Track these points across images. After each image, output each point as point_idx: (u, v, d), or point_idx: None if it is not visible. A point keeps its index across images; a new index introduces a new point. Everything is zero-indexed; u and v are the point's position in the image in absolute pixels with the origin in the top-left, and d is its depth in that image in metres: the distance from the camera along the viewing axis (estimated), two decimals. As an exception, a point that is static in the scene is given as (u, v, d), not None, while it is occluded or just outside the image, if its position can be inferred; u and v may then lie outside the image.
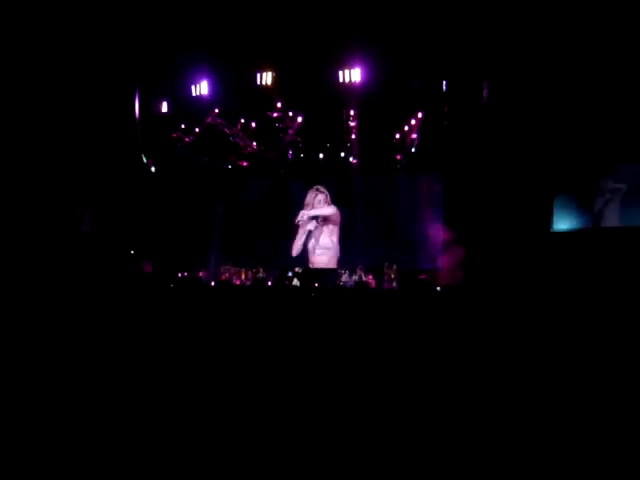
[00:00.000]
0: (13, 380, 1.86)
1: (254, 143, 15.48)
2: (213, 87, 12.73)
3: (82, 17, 11.27)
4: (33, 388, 1.82)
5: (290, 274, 12.85)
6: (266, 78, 11.93)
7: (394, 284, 13.92)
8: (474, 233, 12.49)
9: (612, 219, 12.02)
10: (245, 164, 16.49)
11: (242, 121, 14.61)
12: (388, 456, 2.18)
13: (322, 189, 15.81)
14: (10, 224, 12.15)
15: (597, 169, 12.08)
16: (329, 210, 15.37)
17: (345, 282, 14.08)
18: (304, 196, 15.87)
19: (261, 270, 15.30)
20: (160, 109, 13.70)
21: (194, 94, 12.82)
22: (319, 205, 15.52)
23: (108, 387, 1.62)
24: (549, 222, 12.41)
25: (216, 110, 13.99)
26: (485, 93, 11.48)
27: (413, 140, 14.29)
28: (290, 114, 14.07)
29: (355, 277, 14.05)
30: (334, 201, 15.89)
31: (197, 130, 14.58)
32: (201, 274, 14.48)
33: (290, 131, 14.74)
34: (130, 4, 10.77)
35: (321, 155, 15.73)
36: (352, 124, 13.99)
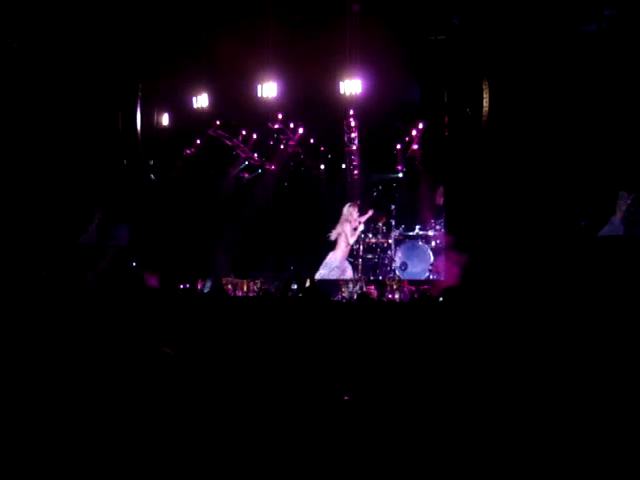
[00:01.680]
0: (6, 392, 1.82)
1: (255, 155, 15.51)
2: (214, 99, 12.75)
3: (84, 31, 11.33)
4: (27, 402, 1.78)
5: (294, 286, 12.81)
6: (267, 90, 11.94)
7: (397, 295, 13.85)
8: (478, 240, 12.42)
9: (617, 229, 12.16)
10: (246, 176, 16.50)
11: (243, 133, 14.64)
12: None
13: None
14: (12, 236, 12.13)
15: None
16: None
17: (350, 293, 14.02)
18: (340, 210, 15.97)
19: (259, 282, 15.23)
20: (161, 121, 13.73)
21: (195, 106, 12.84)
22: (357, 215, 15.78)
23: (104, 403, 1.59)
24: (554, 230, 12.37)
25: (217, 122, 14.03)
26: (486, 102, 11.47)
27: (414, 151, 14.31)
28: (291, 125, 14.09)
29: (357, 288, 13.99)
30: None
31: (198, 142, 14.61)
32: (199, 285, 14.42)
33: (291, 142, 14.76)
34: (130, 18, 10.81)
35: (322, 166, 15.75)
36: (353, 135, 14.00)
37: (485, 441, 2.24)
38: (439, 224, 15.06)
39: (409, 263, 15.32)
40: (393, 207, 15.38)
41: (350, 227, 15.68)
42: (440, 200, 15.10)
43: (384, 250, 15.69)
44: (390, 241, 15.56)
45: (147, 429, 1.49)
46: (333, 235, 15.83)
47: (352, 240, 15.67)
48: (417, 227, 15.44)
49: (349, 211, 15.75)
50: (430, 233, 15.27)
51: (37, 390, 1.77)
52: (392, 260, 15.51)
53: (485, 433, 2.27)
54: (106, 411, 1.54)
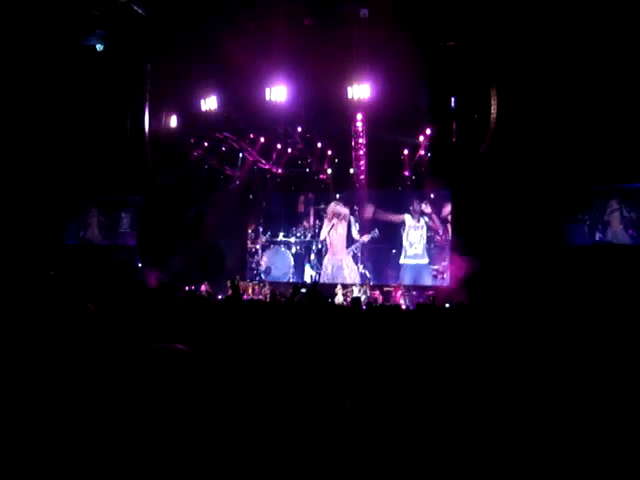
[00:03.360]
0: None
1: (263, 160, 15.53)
2: (222, 102, 12.76)
3: (94, 32, 11.39)
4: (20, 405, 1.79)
5: (303, 290, 12.90)
6: (275, 93, 11.94)
7: (401, 300, 13.85)
8: (485, 247, 12.43)
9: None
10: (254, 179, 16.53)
11: (251, 136, 14.65)
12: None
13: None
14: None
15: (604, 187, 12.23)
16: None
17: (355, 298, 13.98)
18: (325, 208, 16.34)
19: (267, 285, 15.29)
20: (169, 123, 13.75)
21: (203, 109, 12.85)
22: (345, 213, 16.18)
23: (103, 408, 1.60)
24: (561, 236, 12.42)
25: (225, 125, 14.04)
26: (494, 109, 11.46)
27: (422, 156, 14.28)
28: (299, 129, 14.09)
29: (360, 293, 13.97)
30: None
31: (206, 144, 14.64)
32: (203, 287, 14.43)
33: (299, 146, 14.76)
34: (139, 20, 10.85)
35: (329, 170, 15.74)
36: (360, 140, 13.98)
37: (483, 449, 2.24)
38: (299, 231, 16.31)
39: (272, 267, 16.38)
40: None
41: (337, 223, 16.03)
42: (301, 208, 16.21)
43: (252, 255, 16.70)
44: (257, 246, 16.65)
45: (158, 429, 1.49)
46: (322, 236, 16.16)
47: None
48: (281, 234, 16.45)
49: (336, 209, 16.07)
50: (292, 240, 16.32)
51: (43, 389, 1.78)
52: (258, 264, 16.57)
53: (484, 441, 2.28)
54: (116, 410, 1.55)
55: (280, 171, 15.96)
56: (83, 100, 12.60)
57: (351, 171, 15.30)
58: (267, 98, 11.95)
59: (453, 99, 12.40)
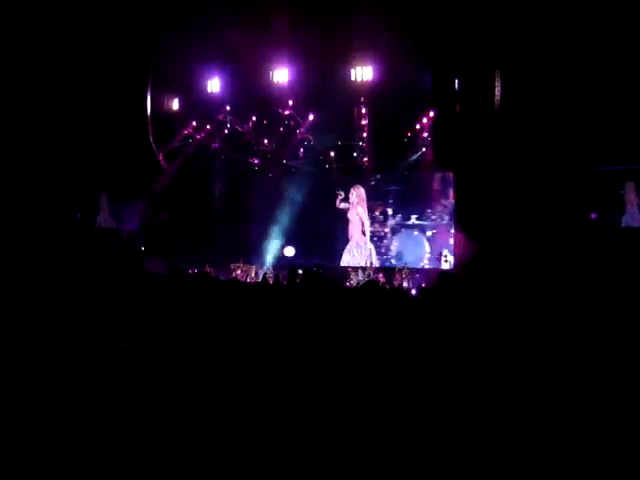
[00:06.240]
0: (11, 378, 1.87)
1: (265, 141, 15.46)
2: (225, 84, 12.71)
3: (96, 14, 11.31)
4: (31, 387, 1.84)
5: (300, 272, 12.91)
6: (278, 76, 11.90)
7: (405, 284, 13.88)
8: (489, 231, 12.41)
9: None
10: (256, 161, 16.48)
11: (254, 119, 14.60)
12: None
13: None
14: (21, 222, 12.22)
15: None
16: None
17: (359, 280, 14.04)
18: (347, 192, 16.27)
19: (270, 268, 15.32)
20: (172, 106, 13.71)
21: (206, 91, 12.81)
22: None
23: (111, 388, 1.63)
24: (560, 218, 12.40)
25: (228, 107, 14.00)
26: (498, 91, 11.38)
27: (425, 139, 14.22)
28: (302, 112, 14.03)
29: (365, 276, 14.02)
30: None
31: (208, 127, 14.61)
32: (207, 270, 14.49)
33: (301, 129, 14.71)
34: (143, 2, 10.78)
35: (332, 153, 15.68)
36: (364, 122, 13.93)
37: (488, 430, 2.26)
38: (435, 214, 15.30)
39: (404, 252, 15.58)
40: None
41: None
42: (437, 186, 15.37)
43: (381, 239, 15.97)
44: (387, 230, 15.89)
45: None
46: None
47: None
48: (414, 217, 15.63)
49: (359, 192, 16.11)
50: (426, 223, 15.51)
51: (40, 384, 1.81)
52: (388, 249, 15.82)
53: (488, 422, 2.30)
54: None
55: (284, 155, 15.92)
56: (85, 87, 12.53)
57: (354, 154, 15.24)
58: (270, 80, 11.91)
59: (457, 81, 12.31)
